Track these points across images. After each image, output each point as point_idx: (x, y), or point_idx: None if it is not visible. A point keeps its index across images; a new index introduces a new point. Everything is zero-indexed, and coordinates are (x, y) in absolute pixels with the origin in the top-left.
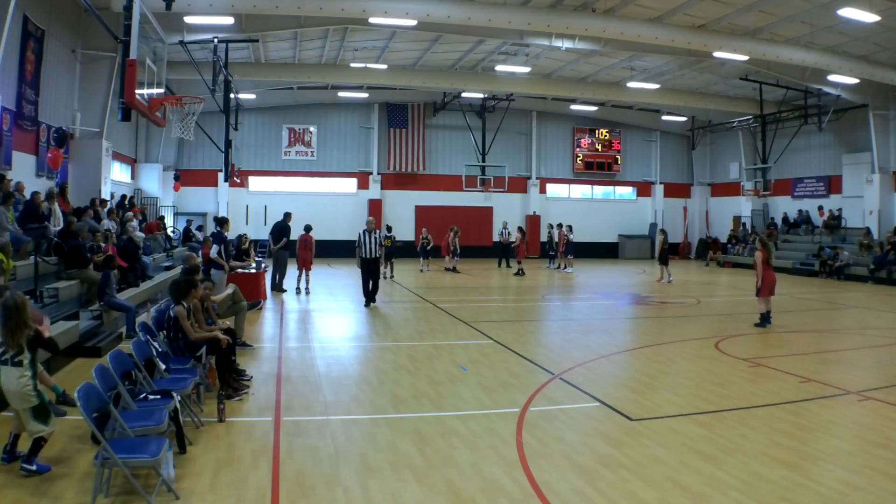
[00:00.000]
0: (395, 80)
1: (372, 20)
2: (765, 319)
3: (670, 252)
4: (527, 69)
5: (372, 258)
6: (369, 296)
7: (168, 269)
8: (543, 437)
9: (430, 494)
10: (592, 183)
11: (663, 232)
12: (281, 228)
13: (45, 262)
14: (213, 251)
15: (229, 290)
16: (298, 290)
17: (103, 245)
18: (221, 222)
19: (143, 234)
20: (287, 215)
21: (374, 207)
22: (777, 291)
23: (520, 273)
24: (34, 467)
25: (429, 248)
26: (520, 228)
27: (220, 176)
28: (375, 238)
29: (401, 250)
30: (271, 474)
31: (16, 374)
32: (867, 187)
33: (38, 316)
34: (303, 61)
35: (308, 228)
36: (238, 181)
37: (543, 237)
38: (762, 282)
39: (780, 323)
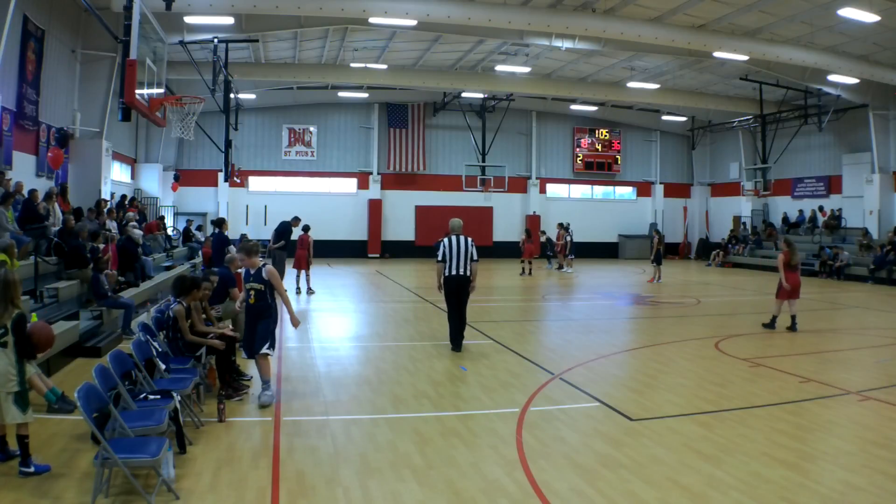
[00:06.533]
0: (395, 80)
1: (372, 20)
2: (772, 322)
3: (665, 252)
4: (527, 69)
5: (461, 275)
6: (458, 333)
7: (168, 269)
8: (543, 437)
9: (430, 494)
10: (592, 183)
11: (658, 232)
12: (283, 230)
13: (45, 262)
14: None
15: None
16: (298, 290)
17: (102, 247)
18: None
19: (140, 232)
20: (296, 219)
21: (374, 207)
22: None
23: (524, 273)
24: (32, 469)
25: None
26: (527, 230)
27: (220, 176)
28: (465, 246)
29: (402, 250)
30: (271, 474)
31: (1, 356)
32: (867, 187)
33: (49, 336)
34: (303, 61)
35: (306, 228)
36: (238, 181)
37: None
38: (784, 284)
39: (781, 323)
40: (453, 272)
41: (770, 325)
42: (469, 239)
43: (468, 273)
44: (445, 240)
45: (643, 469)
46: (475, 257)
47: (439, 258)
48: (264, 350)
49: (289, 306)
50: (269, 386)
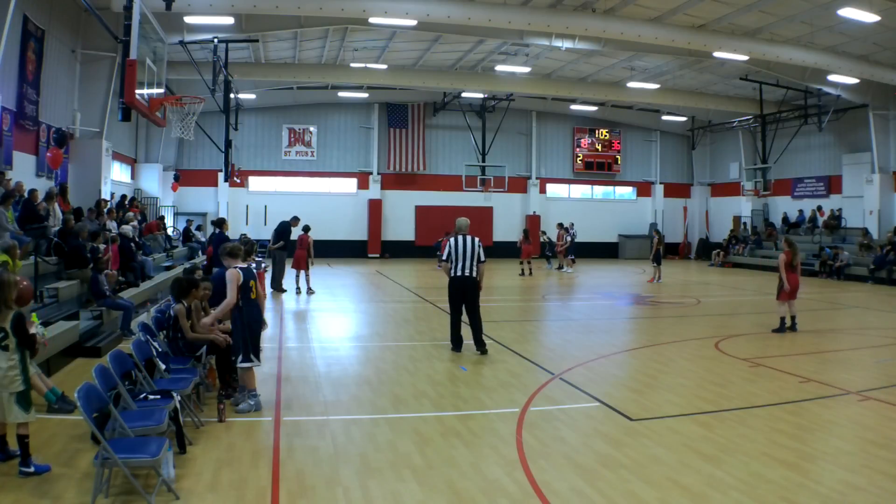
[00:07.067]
0: (395, 80)
1: (372, 20)
2: (782, 325)
3: (665, 252)
4: (527, 69)
5: (466, 277)
6: (465, 336)
7: (168, 269)
8: (543, 437)
9: (430, 494)
10: (592, 183)
11: (658, 232)
12: (283, 230)
13: (45, 262)
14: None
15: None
16: (298, 290)
17: (103, 247)
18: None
19: (129, 227)
20: (295, 219)
21: (374, 207)
22: None
23: (524, 273)
24: (32, 469)
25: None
26: (525, 230)
27: (220, 176)
28: (472, 247)
29: (402, 250)
30: (271, 474)
31: (3, 358)
32: (867, 187)
33: (27, 291)
34: (303, 61)
35: (306, 228)
36: (238, 181)
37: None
38: (785, 285)
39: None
40: (458, 273)
41: (780, 329)
42: (476, 239)
43: (474, 274)
44: (452, 239)
45: (643, 469)
46: (482, 258)
47: (443, 258)
48: (241, 364)
49: (217, 313)
50: (252, 395)
